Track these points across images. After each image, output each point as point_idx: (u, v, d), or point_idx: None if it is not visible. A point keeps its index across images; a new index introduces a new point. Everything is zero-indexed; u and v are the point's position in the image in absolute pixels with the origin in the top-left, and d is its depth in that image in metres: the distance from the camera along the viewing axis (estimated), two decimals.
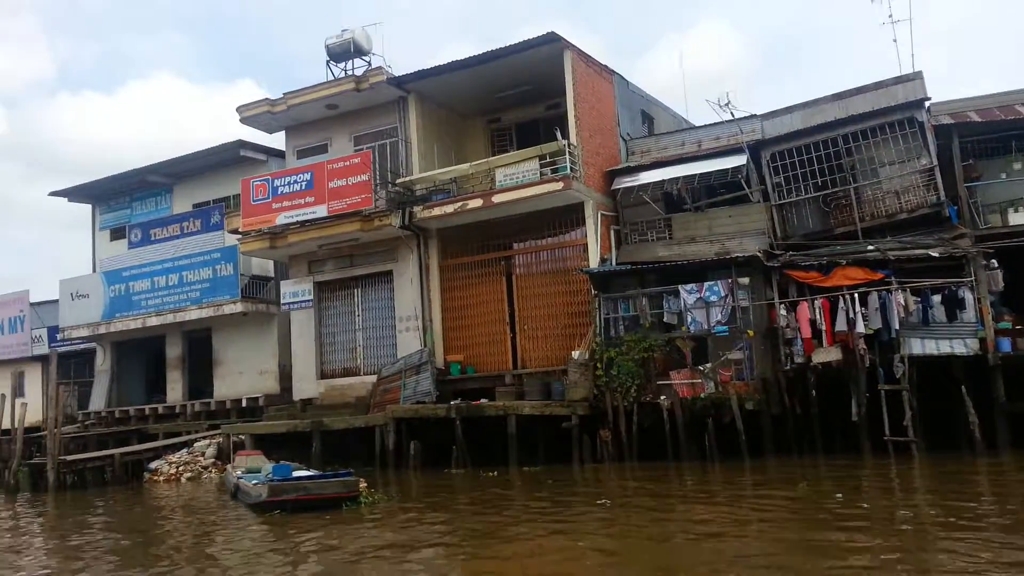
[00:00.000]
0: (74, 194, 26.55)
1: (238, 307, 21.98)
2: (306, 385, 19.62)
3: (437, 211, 17.48)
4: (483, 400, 16.22)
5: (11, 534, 11.42)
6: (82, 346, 29.17)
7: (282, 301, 20.14)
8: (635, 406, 14.56)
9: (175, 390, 24.75)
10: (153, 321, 23.49)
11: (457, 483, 13.89)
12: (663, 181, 16.68)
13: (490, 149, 20.32)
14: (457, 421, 15.58)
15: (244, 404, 22.11)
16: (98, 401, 25.95)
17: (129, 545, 9.68)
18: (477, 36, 73.67)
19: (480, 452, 15.74)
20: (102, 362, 26.39)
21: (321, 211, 18.04)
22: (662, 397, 14.48)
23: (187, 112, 66.17)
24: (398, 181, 18.22)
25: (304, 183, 18.30)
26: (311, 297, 19.70)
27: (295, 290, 19.92)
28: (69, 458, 17.08)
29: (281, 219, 18.59)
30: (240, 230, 19.32)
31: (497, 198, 16.71)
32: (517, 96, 19.30)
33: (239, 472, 14.13)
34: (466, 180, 18.16)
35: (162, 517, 12.31)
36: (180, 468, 17.76)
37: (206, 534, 9.88)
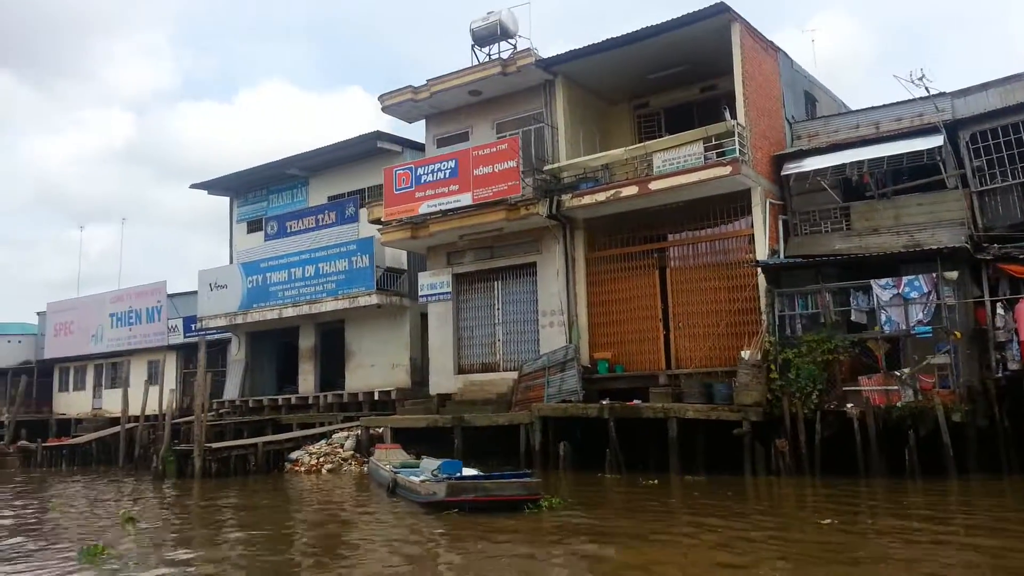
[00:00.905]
0: (214, 187, 27.16)
1: (373, 299, 21.73)
2: (443, 380, 19.02)
3: (587, 199, 16.50)
4: (636, 401, 15.11)
5: (204, 520, 11.21)
6: (216, 336, 29.90)
7: (419, 293, 19.66)
8: (817, 414, 13.07)
9: (307, 381, 24.83)
10: (289, 312, 23.60)
11: (618, 489, 12.81)
12: (843, 165, 15.08)
13: (636, 135, 19.17)
14: (611, 422, 14.53)
15: (377, 397, 21.83)
16: (232, 390, 26.38)
17: (326, 539, 9.13)
18: (600, 20, 72.35)
19: (631, 456, 14.66)
20: (237, 352, 26.86)
21: (465, 199, 17.38)
22: (848, 405, 12.93)
23: (298, 117, 68.20)
24: (546, 168, 17.35)
25: (448, 171, 17.70)
26: (449, 289, 19.11)
27: (433, 282, 19.38)
28: (214, 445, 17.08)
29: (424, 208, 18.07)
30: (383, 219, 18.92)
31: (655, 185, 15.55)
32: (669, 78, 18.09)
33: (389, 466, 13.58)
34: (618, 167, 17.12)
35: (331, 508, 11.78)
36: (320, 459, 17.49)
37: (397, 539, 9.08)
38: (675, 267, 16.51)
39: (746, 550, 7.55)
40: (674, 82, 18.31)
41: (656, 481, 13.22)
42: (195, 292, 31.94)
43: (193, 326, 30.85)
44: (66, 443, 24.45)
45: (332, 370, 24.75)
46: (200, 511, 12.49)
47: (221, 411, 25.74)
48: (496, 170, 17.05)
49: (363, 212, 23.72)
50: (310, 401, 23.62)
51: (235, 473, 17.06)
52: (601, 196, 16.32)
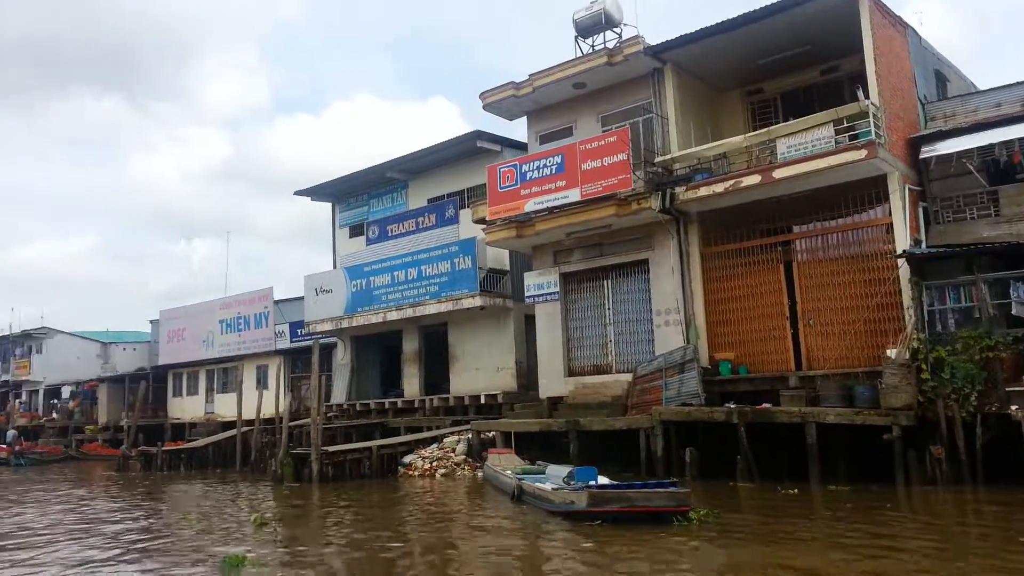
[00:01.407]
0: (316, 193, 27.53)
1: (476, 301, 21.43)
2: (552, 382, 18.50)
3: (704, 191, 15.64)
4: (767, 405, 14.16)
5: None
6: (321, 340, 30.36)
7: (526, 294, 19.20)
8: (977, 417, 11.86)
9: (411, 385, 24.79)
10: (392, 315, 23.59)
11: (758, 499, 11.94)
12: (992, 145, 13.74)
13: (749, 124, 18.15)
14: (741, 427, 13.65)
15: (483, 401, 21.52)
16: (339, 394, 26.65)
17: (469, 550, 8.76)
18: (702, 5, 70.51)
19: (760, 464, 13.73)
20: (343, 356, 27.11)
21: (573, 195, 16.81)
22: (1013, 407, 11.67)
23: (385, 128, 69.24)
24: (657, 160, 16.59)
25: (555, 167, 17.17)
26: (557, 289, 18.58)
27: (539, 282, 18.90)
28: (330, 449, 17.09)
29: (530, 206, 17.60)
30: (487, 219, 18.56)
31: (780, 172, 14.57)
32: (785, 61, 17.00)
33: (508, 472, 13.16)
34: (736, 156, 16.21)
35: (459, 515, 11.43)
36: (434, 463, 17.27)
37: (555, 554, 8.57)
38: (803, 261, 15.45)
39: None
40: (791, 65, 17.21)
41: (796, 491, 12.28)
42: (299, 298, 32.63)
43: (299, 331, 31.49)
44: (184, 447, 25.21)
45: (436, 373, 24.65)
46: (326, 515, 12.33)
47: (329, 415, 26.00)
48: (605, 164, 16.41)
49: (463, 213, 23.55)
50: (416, 404, 23.55)
51: (350, 476, 17.04)
52: (719, 187, 15.44)
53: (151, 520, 12.31)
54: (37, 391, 45.63)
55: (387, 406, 24.35)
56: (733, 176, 15.40)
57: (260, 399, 23.44)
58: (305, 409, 30.50)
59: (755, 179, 14.90)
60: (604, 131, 17.79)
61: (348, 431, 22.93)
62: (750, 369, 15.68)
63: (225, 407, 33.48)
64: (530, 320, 22.34)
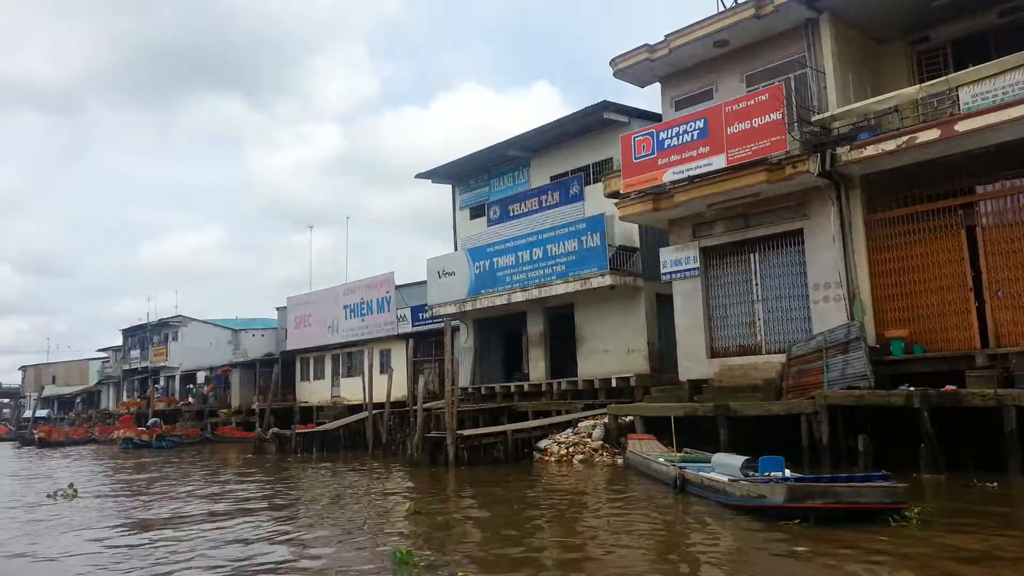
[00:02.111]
0: (436, 175, 27.26)
1: (606, 279, 20.47)
2: (694, 364, 17.33)
3: (870, 151, 14.05)
4: (951, 387, 12.54)
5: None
6: (441, 324, 30.25)
7: (662, 270, 18.08)
8: None
9: (537, 368, 24.15)
10: (518, 296, 22.97)
11: (960, 493, 10.47)
12: None
13: (915, 76, 16.30)
14: (924, 412, 12.13)
15: (614, 384, 20.60)
16: (463, 378, 26.30)
17: (657, 548, 7.82)
18: None
19: (943, 452, 12.17)
20: (466, 339, 26.79)
21: (718, 162, 15.55)
22: None
23: (490, 116, 68.85)
24: (814, 119, 15.08)
25: (696, 132, 15.95)
26: (696, 265, 17.37)
27: (677, 258, 17.74)
28: (465, 433, 16.62)
29: (668, 176, 16.45)
30: (621, 192, 17.55)
31: (963, 125, 12.84)
32: (957, 4, 15.12)
33: (662, 459, 12.21)
34: (903, 112, 14.53)
35: (624, 508, 10.52)
36: (570, 449, 16.51)
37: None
38: (989, 225, 13.63)
39: None
40: (963, 9, 15.31)
41: (995, 484, 10.72)
42: (420, 282, 32.67)
43: (421, 315, 31.53)
44: (316, 430, 25.56)
45: (561, 356, 23.91)
46: (476, 503, 11.72)
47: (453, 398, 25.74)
48: (755, 126, 15.05)
49: (589, 190, 22.66)
50: (543, 388, 22.88)
51: (484, 461, 16.53)
52: (890, 145, 13.81)
53: (304, 505, 12.00)
54: (173, 377, 48.17)
55: (512, 390, 23.81)
56: (906, 132, 13.74)
57: (390, 383, 23.42)
58: (428, 393, 30.57)
59: (933, 134, 13.22)
60: (749, 91, 16.39)
61: (475, 415, 22.52)
62: (926, 348, 14.03)
63: (350, 391, 33.99)
64: (663, 299, 21.21)
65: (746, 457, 9.85)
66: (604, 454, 16.33)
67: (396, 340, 32.11)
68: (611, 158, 21.97)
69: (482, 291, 24.13)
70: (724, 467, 10.04)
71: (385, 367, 32.95)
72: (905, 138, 13.59)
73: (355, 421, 25.12)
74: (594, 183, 22.59)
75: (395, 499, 12.72)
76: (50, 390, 63.30)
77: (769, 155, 14.94)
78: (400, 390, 29.73)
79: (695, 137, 15.96)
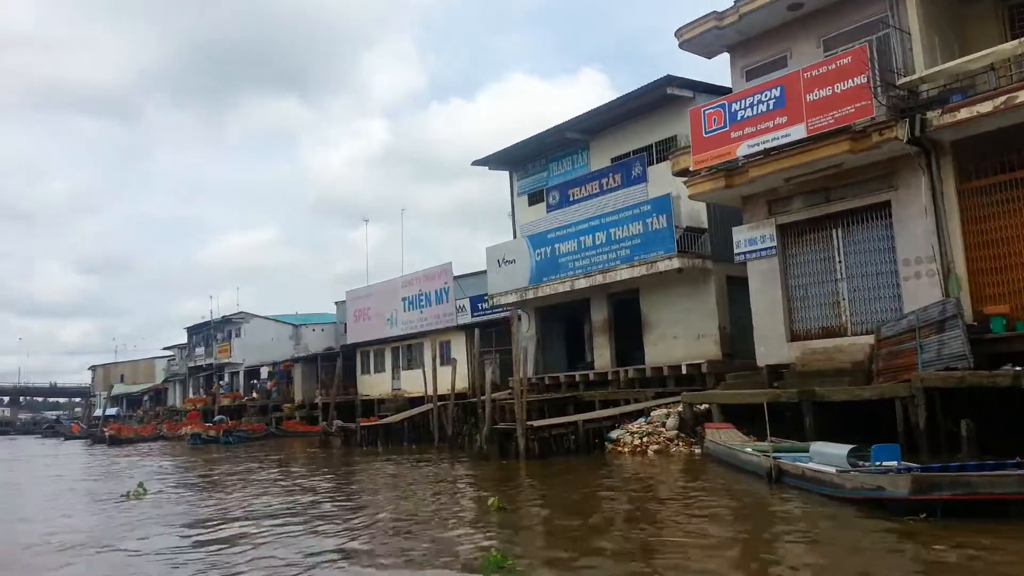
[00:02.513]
0: (493, 161, 26.79)
1: (674, 263, 19.70)
2: (773, 349, 16.48)
3: (964, 113, 13.00)
4: None
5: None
6: (503, 314, 29.82)
7: (735, 251, 17.25)
8: None
9: (602, 356, 23.52)
10: (581, 283, 22.35)
11: None
12: None
13: (1007, 35, 15.10)
14: None
15: (684, 371, 19.85)
16: (526, 368, 25.86)
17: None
18: None
19: None
20: (527, 328, 26.29)
21: (797, 132, 14.66)
22: None
23: (538, 104, 68.07)
24: (900, 82, 14.07)
25: (772, 101, 15.07)
26: (773, 244, 16.50)
27: (751, 236, 16.89)
28: (535, 424, 16.12)
29: (742, 149, 15.62)
30: (691, 168, 16.77)
31: None
32: None
33: (749, 449, 11.51)
34: (1000, 69, 13.43)
35: (720, 501, 9.86)
36: (644, 439, 15.88)
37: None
38: None
39: None
40: None
41: None
42: (477, 273, 32.41)
43: (480, 305, 31.19)
44: (380, 423, 25.43)
45: (626, 343, 23.25)
46: (555, 496, 11.17)
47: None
48: (837, 91, 14.12)
49: (652, 171, 21.91)
50: (609, 377, 22.24)
51: (556, 452, 16.02)
52: (985, 106, 12.74)
53: (382, 500, 11.62)
54: (237, 373, 48.95)
55: (577, 379, 23.24)
56: (1004, 92, 12.65)
57: (454, 374, 23.11)
58: (492, 384, 30.19)
59: None
60: (827, 56, 15.42)
61: (540, 405, 22.01)
62: None
63: (410, 383, 33.91)
64: (733, 282, 20.38)
65: (852, 446, 9.09)
66: (680, 444, 15.65)
67: (455, 331, 31.86)
68: (675, 136, 21.17)
69: (544, 278, 23.58)
70: (826, 457, 9.30)
71: (445, 359, 32.67)
72: (1003, 98, 12.51)
73: (419, 414, 24.86)
74: (657, 163, 21.82)
75: (472, 492, 12.30)
76: (119, 388, 65.15)
77: (853, 122, 14.01)
78: (461, 381, 29.51)
79: (771, 107, 15.09)
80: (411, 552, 7.31)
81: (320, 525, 9.26)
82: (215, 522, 10.13)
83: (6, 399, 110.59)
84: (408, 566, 6.77)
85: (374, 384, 37.14)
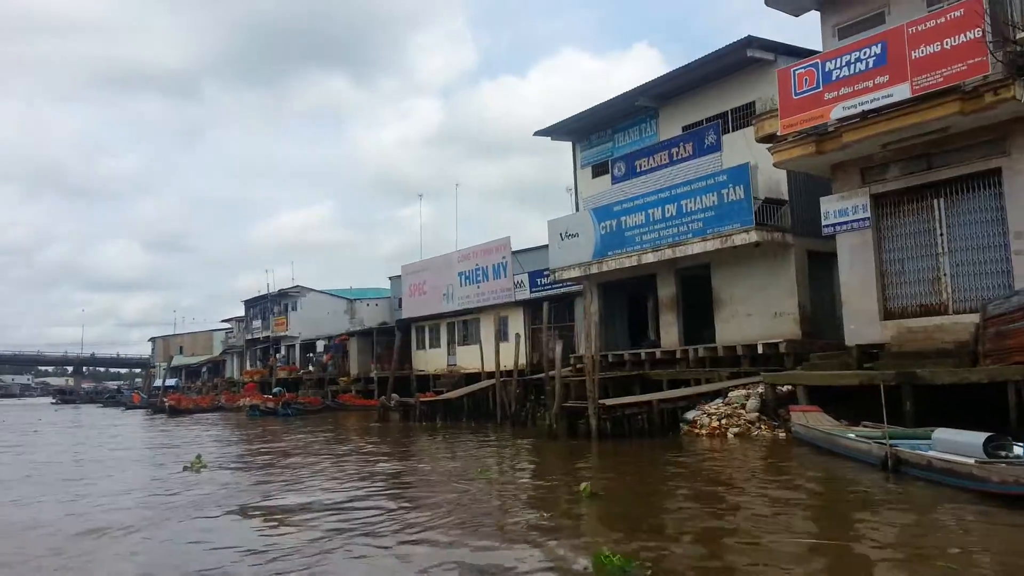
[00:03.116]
0: (556, 131, 25.91)
1: (751, 236, 18.64)
2: (864, 327, 15.40)
3: None
4: None
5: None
6: (562, 290, 29.10)
7: (823, 223, 16.15)
8: None
9: (669, 334, 22.61)
10: (649, 257, 21.42)
11: None
12: None
13: None
14: None
15: (760, 351, 18.84)
16: (587, 345, 25.10)
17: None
18: None
19: None
20: (589, 304, 25.49)
21: (900, 92, 13.47)
22: None
23: (591, 82, 66.55)
24: (1018, 36, 12.75)
25: (872, 59, 13.89)
26: (866, 215, 15.35)
27: (842, 207, 15.76)
28: (608, 402, 15.39)
29: (837, 112, 14.49)
30: (779, 133, 15.69)
31: None
32: None
33: (852, 435, 10.60)
34: None
35: (839, 494, 9.03)
36: (722, 421, 15.03)
37: None
38: None
39: None
40: None
41: None
42: (536, 248, 31.76)
43: (538, 280, 30.51)
44: (440, 398, 25.01)
45: (694, 321, 22.30)
46: (644, 480, 10.40)
47: (579, 366, 24.62)
48: (947, 47, 12.90)
49: (727, 139, 20.77)
50: (678, 355, 21.34)
51: (628, 434, 15.28)
52: None
53: (458, 481, 10.86)
54: (293, 346, 49.25)
55: (643, 357, 22.38)
56: None
57: (518, 350, 22.52)
58: (548, 361, 29.54)
59: None
60: (933, 10, 14.13)
61: (603, 383, 21.22)
62: None
63: (466, 359, 33.47)
64: (814, 257, 19.29)
65: (988, 434, 8.15)
66: (762, 427, 14.77)
67: (513, 307, 31.26)
68: (752, 102, 20.02)
69: (609, 252, 22.70)
70: (955, 445, 8.36)
71: (502, 335, 32.20)
72: None
73: (479, 390, 24.35)
74: (732, 131, 20.70)
75: (552, 474, 11.63)
76: (178, 360, 66.53)
77: (964, 81, 12.78)
78: (520, 358, 28.95)
79: (870, 65, 13.91)
80: (505, 549, 6.62)
81: (403, 509, 8.63)
82: (292, 509, 9.62)
83: (70, 369, 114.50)
84: (504, 561, 6.09)
85: (429, 359, 36.84)
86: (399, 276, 43.63)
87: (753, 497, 8.78)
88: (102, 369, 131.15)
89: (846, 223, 15.70)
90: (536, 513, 7.92)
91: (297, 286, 49.09)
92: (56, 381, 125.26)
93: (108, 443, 21.36)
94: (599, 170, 25.32)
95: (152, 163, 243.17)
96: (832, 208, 15.96)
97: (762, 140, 16.70)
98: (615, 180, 24.14)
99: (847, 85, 14.26)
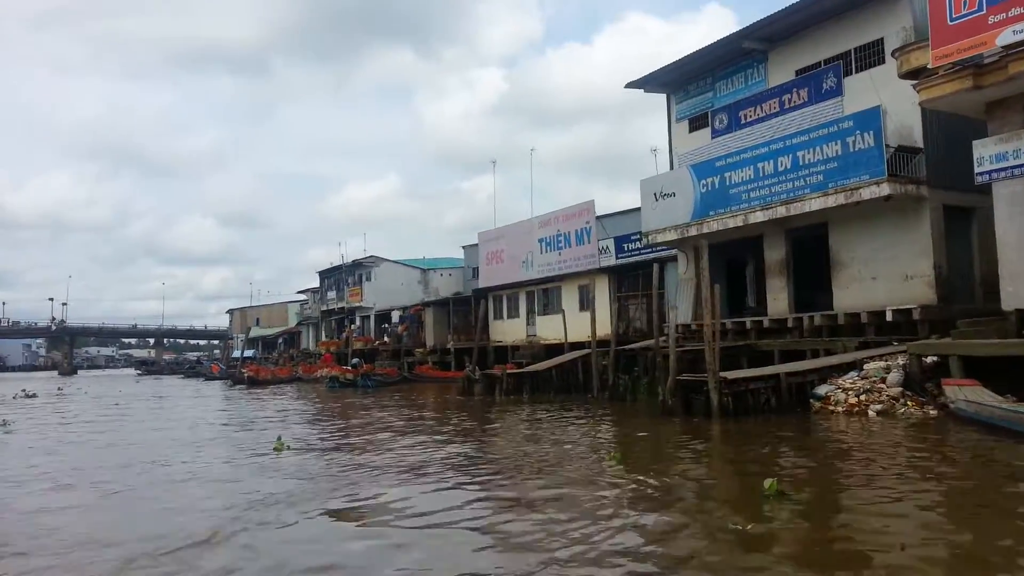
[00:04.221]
0: (650, 83, 24.06)
1: (882, 189, 16.64)
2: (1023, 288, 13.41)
3: None
4: None
5: None
6: (652, 255, 27.43)
7: (976, 170, 14.09)
8: None
9: (777, 300, 20.78)
10: (758, 217, 19.59)
11: None
12: None
13: None
14: None
15: (889, 318, 16.91)
16: (683, 313, 23.45)
17: None
18: None
19: None
20: (684, 270, 23.83)
21: None
22: None
23: (658, 47, 63.58)
24: None
25: None
26: None
27: (1001, 151, 13.68)
28: (729, 376, 13.83)
29: (1005, 37, 12.44)
30: (930, 65, 13.67)
31: None
32: None
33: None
34: None
35: None
36: (860, 397, 13.32)
37: None
38: None
39: None
40: None
41: None
42: (622, 212, 30.21)
43: (626, 246, 28.92)
44: (526, 370, 23.81)
45: (805, 286, 20.43)
46: (836, 475, 8.61)
47: (676, 336, 22.97)
48: None
49: (849, 82, 18.72)
50: (789, 324, 19.52)
51: (751, 410, 13.71)
52: None
53: (596, 469, 9.35)
54: (368, 317, 48.90)
55: (748, 326, 20.63)
56: None
57: (614, 317, 21.06)
58: (635, 331, 28.02)
59: None
60: None
61: (698, 355, 19.64)
62: None
63: (547, 329, 32.21)
64: (952, 212, 17.26)
65: None
66: (909, 403, 13.00)
67: (598, 274, 29.73)
68: (881, 39, 17.90)
69: (710, 212, 20.93)
70: None
71: (585, 303, 30.76)
72: None
73: (569, 361, 23.02)
74: (856, 73, 18.59)
75: (691, 456, 10.17)
76: (255, 331, 67.39)
77: None
78: (603, 328, 27.50)
79: None
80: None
81: (556, 511, 7.05)
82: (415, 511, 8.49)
83: (152, 341, 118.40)
84: None
85: (507, 330, 35.65)
86: (473, 245, 42.60)
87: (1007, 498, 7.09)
88: (181, 341, 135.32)
89: (1005, 169, 13.64)
90: (721, 506, 6.47)
91: (371, 256, 48.58)
92: (139, 353, 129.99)
93: (190, 416, 20.85)
94: (697, 124, 23.43)
95: (225, 140, 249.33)
96: (987, 153, 13.89)
97: (906, 76, 14.67)
98: (715, 134, 22.32)
99: (1019, 4, 12.17)
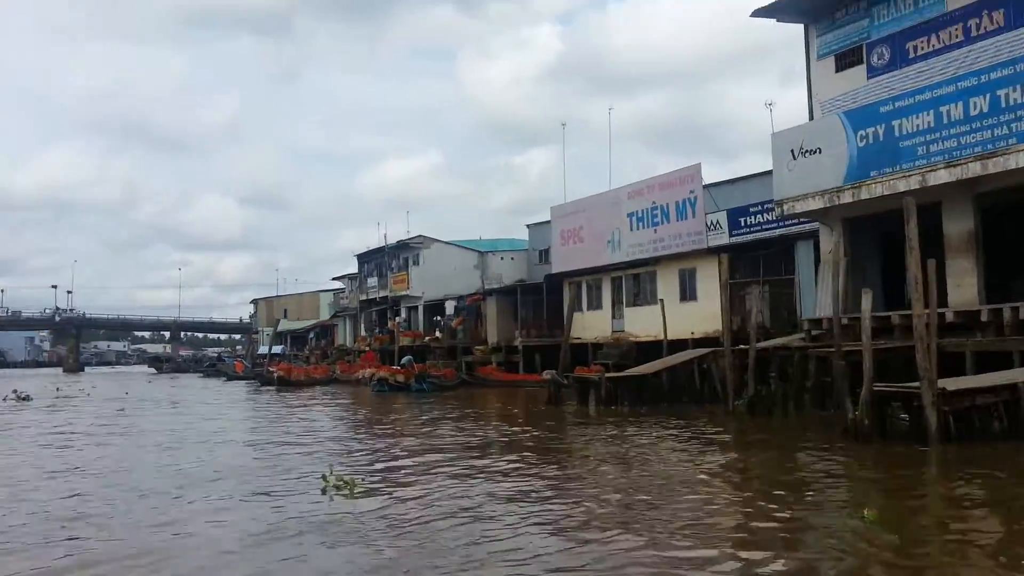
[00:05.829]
0: (784, 10, 21.61)
1: None
2: None
3: None
4: None
5: None
6: (778, 230, 25.03)
7: None
8: None
9: (961, 287, 18.17)
10: (941, 176, 17.04)
11: None
12: None
13: None
14: None
15: None
16: (826, 304, 20.96)
17: None
18: None
19: None
20: (830, 249, 21.32)
21: None
22: None
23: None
24: None
25: None
26: None
27: None
28: (950, 388, 11.42)
29: None
30: None
31: None
32: None
33: None
34: None
35: None
36: None
37: None
38: None
39: None
40: None
41: None
42: (736, 179, 28.05)
43: (742, 221, 26.58)
44: (631, 374, 21.60)
45: (998, 270, 17.89)
46: None
47: (814, 332, 20.62)
48: None
49: None
50: (983, 318, 16.91)
51: (979, 433, 11.32)
52: None
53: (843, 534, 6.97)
54: (416, 307, 47.18)
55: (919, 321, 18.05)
56: None
57: (755, 309, 18.59)
58: (758, 326, 25.58)
59: None
60: None
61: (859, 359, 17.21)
62: None
63: (637, 323, 30.04)
64: None
65: None
66: None
67: (705, 256, 27.37)
68: None
69: (872, 173, 18.41)
70: None
71: (688, 292, 28.46)
72: None
73: (681, 363, 20.79)
74: None
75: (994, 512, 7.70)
76: (284, 325, 66.51)
77: None
78: (708, 323, 25.23)
79: None
80: None
81: None
82: None
83: (167, 335, 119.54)
84: None
85: (587, 324, 33.41)
86: (541, 223, 40.64)
87: None
88: (200, 335, 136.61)
89: None
90: None
91: (419, 236, 46.80)
92: (153, 348, 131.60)
93: (209, 431, 18.42)
94: (846, 60, 20.86)
95: (245, 110, 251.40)
96: None
97: None
98: (873, 72, 19.81)
99: None
